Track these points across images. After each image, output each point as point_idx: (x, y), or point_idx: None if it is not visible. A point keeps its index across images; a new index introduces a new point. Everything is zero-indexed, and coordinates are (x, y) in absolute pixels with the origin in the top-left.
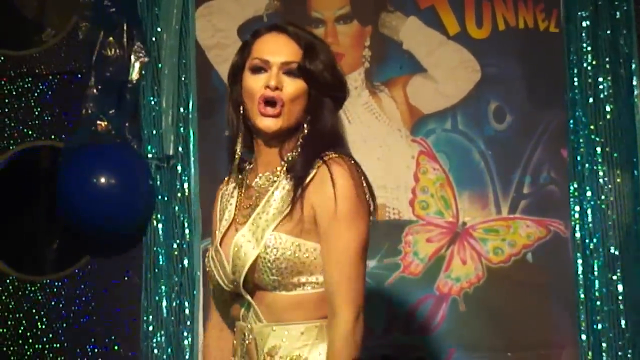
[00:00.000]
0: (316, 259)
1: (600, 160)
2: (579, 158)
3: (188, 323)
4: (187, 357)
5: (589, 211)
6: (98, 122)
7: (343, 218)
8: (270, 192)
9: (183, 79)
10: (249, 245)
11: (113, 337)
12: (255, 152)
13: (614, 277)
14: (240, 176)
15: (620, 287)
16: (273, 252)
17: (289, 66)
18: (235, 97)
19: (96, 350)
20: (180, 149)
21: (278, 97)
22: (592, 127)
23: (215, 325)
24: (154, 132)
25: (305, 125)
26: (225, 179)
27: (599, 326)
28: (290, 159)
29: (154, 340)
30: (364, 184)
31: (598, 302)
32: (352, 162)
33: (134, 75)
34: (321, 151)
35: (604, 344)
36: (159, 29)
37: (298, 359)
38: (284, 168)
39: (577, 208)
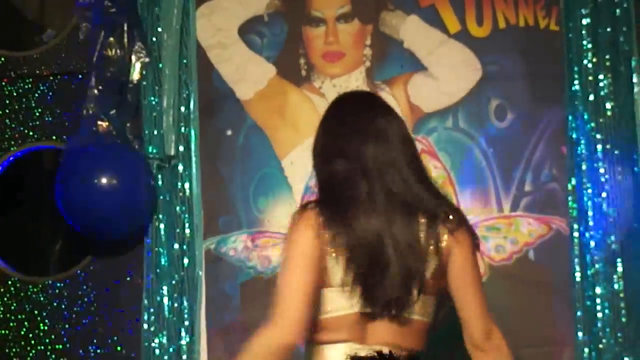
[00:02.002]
0: None
1: (600, 157)
2: (579, 155)
3: (189, 324)
4: (188, 357)
5: (589, 208)
6: (99, 122)
7: None
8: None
9: (184, 78)
10: None
11: (115, 338)
12: None
13: (614, 276)
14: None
15: (620, 285)
16: None
17: None
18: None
19: (98, 351)
20: (181, 148)
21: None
22: (592, 124)
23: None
24: (155, 132)
25: None
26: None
27: (599, 324)
28: None
29: (156, 340)
30: None
31: (597, 300)
32: None
33: (135, 75)
34: None
35: (603, 341)
36: (159, 29)
37: None
38: None
39: (576, 205)
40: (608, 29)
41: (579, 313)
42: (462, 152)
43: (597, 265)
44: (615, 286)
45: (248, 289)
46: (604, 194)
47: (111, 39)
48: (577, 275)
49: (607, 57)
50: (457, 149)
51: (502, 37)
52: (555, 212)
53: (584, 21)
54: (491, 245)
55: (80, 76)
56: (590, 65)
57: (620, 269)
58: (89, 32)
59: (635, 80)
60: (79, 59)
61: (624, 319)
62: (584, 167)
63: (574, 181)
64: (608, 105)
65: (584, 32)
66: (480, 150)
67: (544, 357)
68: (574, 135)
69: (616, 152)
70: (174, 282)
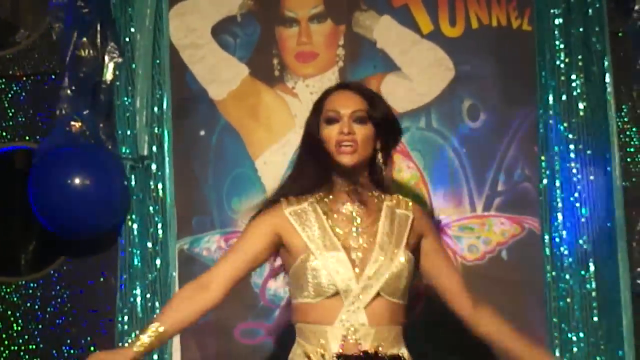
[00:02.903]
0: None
1: (573, 157)
2: (551, 155)
3: None
4: (160, 357)
5: (561, 209)
6: (72, 122)
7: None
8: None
9: (157, 79)
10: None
11: (89, 338)
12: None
13: (586, 275)
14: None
15: (592, 285)
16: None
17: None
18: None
19: (72, 351)
20: (154, 149)
21: (352, 139)
22: (565, 124)
23: (199, 285)
24: (128, 132)
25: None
26: (285, 201)
27: (571, 324)
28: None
29: (129, 340)
30: None
31: (568, 300)
32: None
33: (108, 75)
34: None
35: (574, 340)
36: (132, 29)
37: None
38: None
39: (548, 206)
40: (580, 29)
41: (550, 313)
42: (435, 152)
43: (568, 266)
44: (587, 286)
45: None
46: (576, 194)
47: (84, 39)
48: (548, 275)
49: (580, 57)
50: (430, 149)
51: (475, 38)
52: (528, 212)
53: (557, 21)
54: (464, 245)
55: (53, 76)
56: (562, 65)
57: (592, 268)
58: (62, 33)
59: (607, 80)
60: (52, 59)
61: (595, 319)
62: (556, 167)
63: (545, 181)
64: (581, 106)
65: (556, 32)
66: (453, 150)
67: None
68: (547, 135)
69: (588, 152)
70: (147, 282)
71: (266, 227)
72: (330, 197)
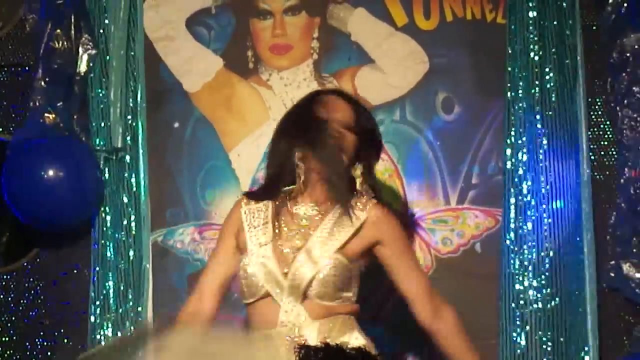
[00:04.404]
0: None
1: (544, 150)
2: (522, 148)
3: (135, 315)
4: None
5: (531, 202)
6: (46, 114)
7: None
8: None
9: (131, 71)
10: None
11: (62, 330)
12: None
13: (551, 269)
14: (276, 202)
15: (557, 281)
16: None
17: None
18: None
19: (45, 343)
20: (128, 141)
21: None
22: (537, 117)
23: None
24: (102, 124)
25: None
26: (245, 198)
27: (531, 321)
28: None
29: (102, 332)
30: None
31: (531, 295)
32: None
33: (82, 67)
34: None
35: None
36: (106, 21)
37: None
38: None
39: (515, 199)
40: (554, 22)
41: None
42: (410, 145)
43: (532, 259)
44: (552, 281)
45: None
46: (547, 187)
47: (58, 30)
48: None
49: (553, 50)
50: (404, 141)
51: (450, 30)
52: (502, 204)
53: (530, 14)
54: (438, 238)
55: (27, 68)
56: (536, 58)
57: (557, 263)
58: (35, 24)
59: (579, 73)
60: (25, 50)
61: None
62: (523, 158)
63: (511, 175)
64: (553, 98)
65: (530, 24)
66: (428, 143)
67: (490, 350)
68: (518, 128)
69: (560, 144)
70: (120, 274)
71: (230, 226)
72: (296, 197)
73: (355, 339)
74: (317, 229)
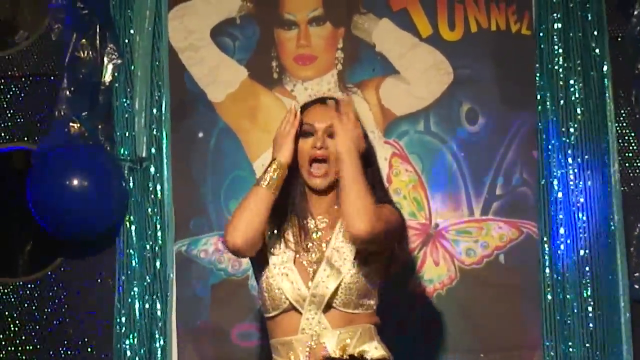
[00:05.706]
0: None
1: (571, 162)
2: (550, 160)
3: (160, 325)
4: (159, 359)
5: (560, 213)
6: (71, 124)
7: None
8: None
9: (156, 80)
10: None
11: (86, 340)
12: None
13: (584, 281)
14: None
15: (589, 291)
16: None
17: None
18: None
19: (69, 352)
20: (153, 150)
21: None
22: (563, 129)
23: None
24: (127, 134)
25: None
26: None
27: (566, 331)
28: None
29: (127, 342)
30: None
31: (566, 306)
32: None
33: (107, 77)
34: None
35: (571, 349)
36: (131, 31)
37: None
38: None
39: (546, 210)
40: (579, 34)
41: (547, 318)
42: (434, 156)
43: (566, 271)
44: (584, 293)
45: (219, 291)
46: (574, 199)
47: (83, 40)
48: (547, 280)
49: (579, 61)
50: (428, 152)
51: (474, 41)
52: (526, 216)
53: (556, 26)
54: (462, 249)
55: (52, 78)
56: (561, 70)
57: (590, 274)
58: (61, 34)
59: (606, 84)
60: (51, 60)
61: (591, 325)
62: (554, 171)
63: (545, 186)
64: (579, 110)
65: (555, 36)
66: (452, 154)
67: None
68: (545, 140)
69: (587, 157)
70: (145, 283)
71: None
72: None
73: (375, 349)
74: (331, 241)
